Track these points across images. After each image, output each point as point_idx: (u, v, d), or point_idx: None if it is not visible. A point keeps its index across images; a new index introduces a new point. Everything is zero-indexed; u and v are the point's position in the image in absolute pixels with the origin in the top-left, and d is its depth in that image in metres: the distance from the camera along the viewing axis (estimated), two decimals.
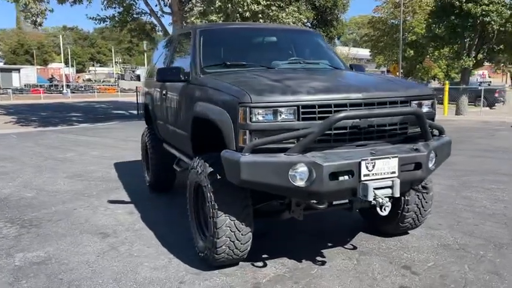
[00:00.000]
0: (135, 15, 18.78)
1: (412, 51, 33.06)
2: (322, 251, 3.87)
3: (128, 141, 11.47)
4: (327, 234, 4.31)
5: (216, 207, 3.23)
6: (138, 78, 78.72)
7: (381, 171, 3.02)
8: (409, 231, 4.21)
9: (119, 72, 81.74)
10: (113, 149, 10.23)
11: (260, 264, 3.63)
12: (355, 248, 3.93)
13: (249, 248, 3.44)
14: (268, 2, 14.39)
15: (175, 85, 4.40)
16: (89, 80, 77.98)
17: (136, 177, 6.91)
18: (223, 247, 3.31)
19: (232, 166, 2.99)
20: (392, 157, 3.06)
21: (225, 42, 4.51)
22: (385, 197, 3.00)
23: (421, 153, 3.18)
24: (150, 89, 5.78)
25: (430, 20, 18.24)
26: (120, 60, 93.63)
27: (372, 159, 2.99)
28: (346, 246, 3.97)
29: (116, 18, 18.19)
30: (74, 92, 49.30)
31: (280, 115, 2.99)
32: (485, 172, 6.89)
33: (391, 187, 3.03)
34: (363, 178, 2.98)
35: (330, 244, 4.02)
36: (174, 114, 4.52)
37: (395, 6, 35.44)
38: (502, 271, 3.39)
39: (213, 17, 13.72)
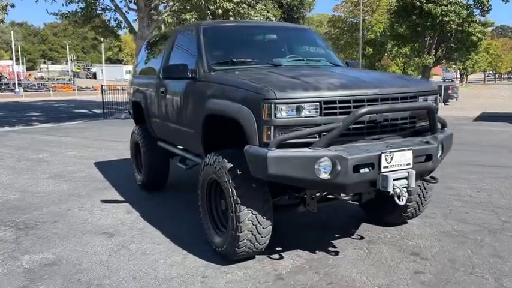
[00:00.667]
0: (98, 11, 18.31)
1: (371, 49, 34.16)
2: (332, 242, 4.01)
3: (101, 141, 11.21)
4: (331, 226, 4.46)
5: (239, 201, 3.30)
6: (94, 76, 76.41)
7: (398, 163, 3.19)
8: (408, 221, 4.42)
9: (78, 69, 79.08)
10: (88, 148, 9.98)
11: (276, 256, 3.72)
12: (362, 238, 4.10)
13: (268, 242, 3.52)
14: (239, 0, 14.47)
15: (179, 82, 4.40)
16: (42, 78, 74.90)
17: (123, 177, 6.82)
18: (245, 241, 3.38)
19: (259, 161, 3.06)
20: (408, 149, 3.23)
21: (227, 40, 4.57)
22: (403, 187, 3.17)
23: (431, 145, 3.38)
24: (143, 87, 5.72)
25: (393, 19, 18.96)
26: (74, 58, 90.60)
27: (390, 152, 3.15)
28: (353, 237, 4.13)
29: (79, 14, 17.66)
30: (26, 91, 47.15)
31: (303, 111, 3.09)
32: (461, 164, 7.29)
33: (406, 178, 3.21)
34: (382, 170, 3.13)
35: (337, 235, 4.18)
36: (178, 112, 4.52)
37: (354, 5, 36.49)
38: (503, 254, 3.65)
39: (187, 16, 13.63)
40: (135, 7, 17.73)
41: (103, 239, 4.27)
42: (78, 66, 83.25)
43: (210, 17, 15.03)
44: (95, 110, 22.69)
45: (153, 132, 5.58)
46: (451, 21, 16.83)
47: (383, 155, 3.12)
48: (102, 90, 18.83)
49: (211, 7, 14.20)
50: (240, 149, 3.68)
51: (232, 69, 4.05)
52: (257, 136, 3.15)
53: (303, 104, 3.09)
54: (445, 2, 16.49)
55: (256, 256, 3.69)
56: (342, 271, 3.42)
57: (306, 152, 3.03)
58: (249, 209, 3.31)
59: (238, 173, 3.37)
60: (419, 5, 16.83)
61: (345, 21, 37.83)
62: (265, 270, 3.49)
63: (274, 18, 17.72)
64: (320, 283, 3.24)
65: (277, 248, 3.84)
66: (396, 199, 3.19)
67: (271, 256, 3.72)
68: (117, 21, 19.22)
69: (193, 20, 14.20)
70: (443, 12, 16.65)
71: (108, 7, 18.05)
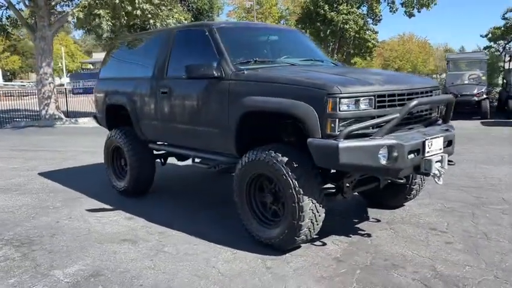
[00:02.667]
0: None
1: None
2: (356, 226, 4.37)
3: (21, 151, 10.18)
4: (343, 214, 4.80)
5: (301, 192, 3.47)
6: None
7: (434, 148, 3.66)
8: (404, 204, 4.96)
9: None
10: (14, 160, 9.02)
11: (319, 243, 3.95)
12: (379, 220, 4.53)
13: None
14: (160, 1, 14.21)
15: (193, 82, 4.39)
16: None
17: (89, 185, 6.41)
18: (305, 229, 3.57)
19: (329, 152, 3.28)
20: (440, 136, 3.73)
21: (241, 40, 4.66)
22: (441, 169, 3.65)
23: (451, 132, 3.94)
24: (127, 89, 5.46)
25: (299, 26, 20.17)
26: None
27: (431, 139, 3.61)
28: (370, 221, 4.54)
29: None
30: None
31: (360, 104, 3.40)
32: None
33: (440, 161, 3.69)
34: (426, 155, 3.57)
35: (356, 220, 4.55)
36: (193, 112, 4.48)
37: (247, 12, 37.74)
38: (499, 222, 4.36)
39: (101, 12, 12.98)
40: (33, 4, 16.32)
41: (128, 246, 4.07)
42: None
43: (126, 17, 14.49)
44: None
45: (143, 134, 5.39)
46: (350, 29, 18.57)
47: (426, 142, 3.56)
48: None
49: (128, 7, 13.71)
50: (283, 143, 3.90)
51: (258, 68, 4.18)
52: (319, 129, 3.36)
53: (361, 98, 3.39)
54: (345, 11, 18.20)
55: (302, 245, 3.88)
56: (388, 249, 3.79)
57: (371, 141, 3.33)
58: (310, 198, 3.51)
59: (295, 165, 3.54)
60: (323, 13, 18.30)
61: None
62: (320, 255, 3.70)
63: (185, 21, 17.67)
64: (378, 260, 3.56)
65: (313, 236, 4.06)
66: (436, 179, 3.65)
67: (315, 243, 3.94)
68: (9, 19, 17.46)
69: (107, 18, 13.54)
70: (344, 20, 18.33)
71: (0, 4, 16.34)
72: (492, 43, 25.35)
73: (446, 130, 3.94)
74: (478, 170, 6.73)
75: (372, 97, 3.43)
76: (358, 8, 19.36)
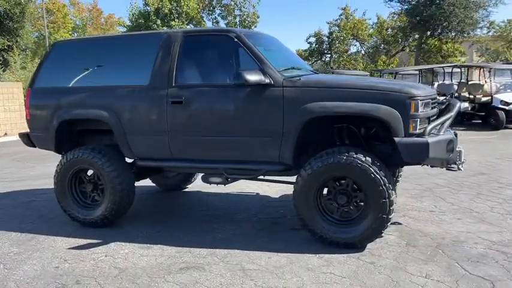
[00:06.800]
0: None
1: None
2: None
3: None
4: None
5: (390, 187, 3.78)
6: None
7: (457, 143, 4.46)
8: None
9: None
10: None
11: None
12: None
13: None
14: None
15: (227, 90, 4.23)
16: None
17: (23, 222, 5.16)
18: (390, 221, 3.88)
19: (420, 148, 3.70)
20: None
21: (262, 48, 4.57)
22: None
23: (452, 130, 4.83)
24: (104, 100, 4.63)
25: None
26: None
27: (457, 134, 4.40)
28: None
29: None
30: None
31: (425, 106, 3.94)
32: None
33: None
34: (457, 148, 4.33)
35: None
36: (228, 121, 4.21)
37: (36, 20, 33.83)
38: (460, 199, 5.46)
39: None
40: None
41: (199, 273, 3.60)
42: None
43: None
44: None
45: (132, 152, 4.66)
46: None
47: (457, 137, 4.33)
48: None
49: None
50: (343, 145, 4.15)
51: (300, 75, 4.26)
52: (403, 128, 3.75)
53: (426, 101, 3.93)
54: (177, 27, 18.32)
55: None
56: (431, 231, 4.37)
57: (441, 136, 3.89)
58: (394, 192, 3.85)
59: (378, 163, 3.83)
60: (156, 27, 18.00)
61: None
62: (391, 245, 4.03)
63: None
64: (439, 240, 4.11)
65: None
66: (460, 167, 4.39)
67: None
68: None
69: None
70: None
71: None
72: None
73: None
74: None
75: (430, 100, 4.01)
76: (187, 24, 19.80)
